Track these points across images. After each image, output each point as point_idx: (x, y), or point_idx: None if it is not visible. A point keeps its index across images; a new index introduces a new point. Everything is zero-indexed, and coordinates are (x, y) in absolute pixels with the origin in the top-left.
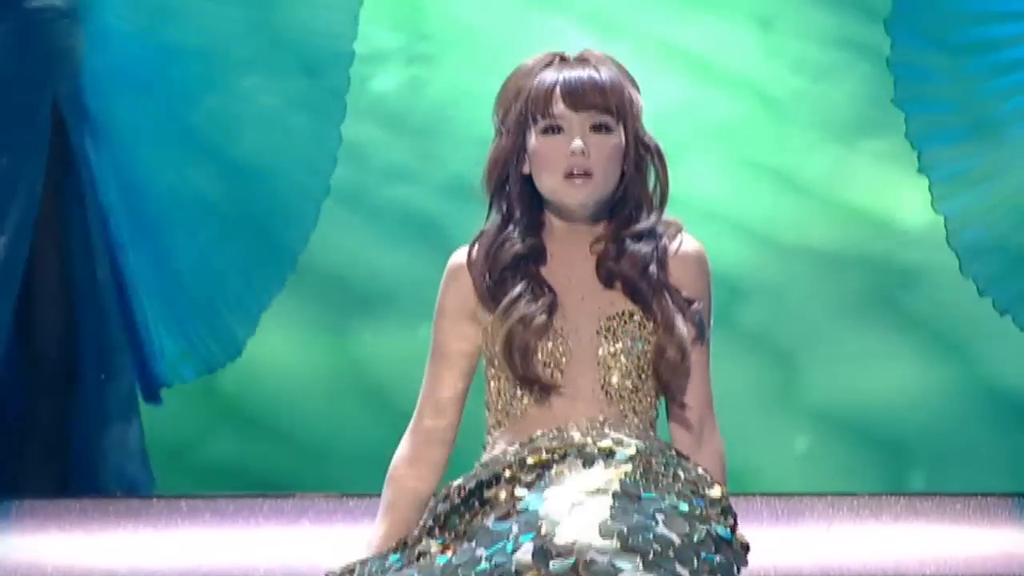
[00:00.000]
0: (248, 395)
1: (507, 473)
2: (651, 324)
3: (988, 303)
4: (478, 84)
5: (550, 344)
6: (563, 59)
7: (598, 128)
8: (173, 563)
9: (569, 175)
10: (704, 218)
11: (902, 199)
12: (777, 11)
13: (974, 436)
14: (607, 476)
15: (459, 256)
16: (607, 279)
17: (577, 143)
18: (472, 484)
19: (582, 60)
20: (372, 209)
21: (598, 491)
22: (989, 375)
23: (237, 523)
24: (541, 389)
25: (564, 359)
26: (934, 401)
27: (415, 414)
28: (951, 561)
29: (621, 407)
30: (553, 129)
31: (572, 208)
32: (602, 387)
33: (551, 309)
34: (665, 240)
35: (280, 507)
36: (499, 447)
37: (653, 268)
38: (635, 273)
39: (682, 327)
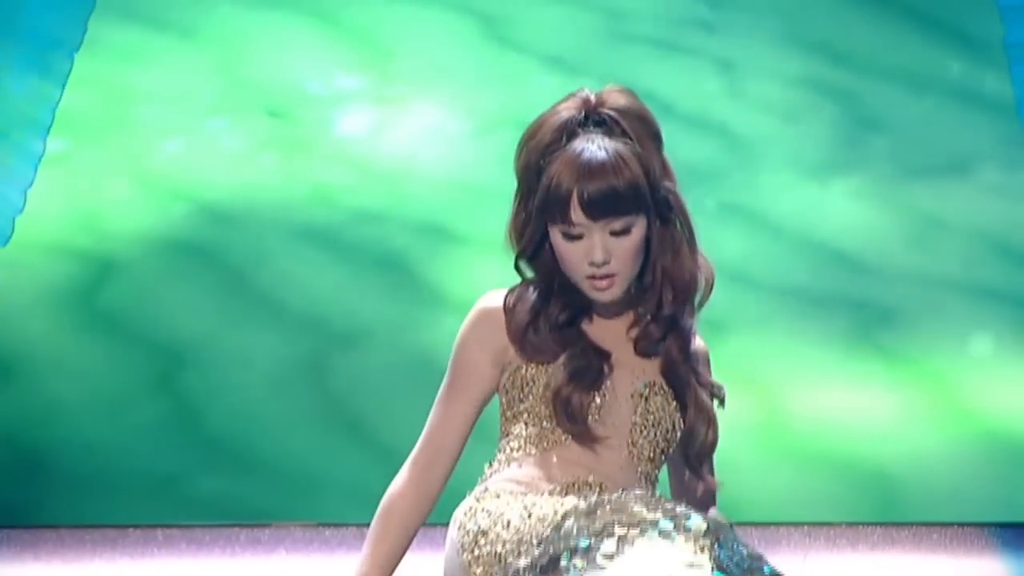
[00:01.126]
0: (231, 430)
1: (582, 543)
2: (674, 402)
3: (966, 337)
4: (445, 125)
5: (597, 399)
6: (585, 119)
7: (619, 233)
8: None
9: (589, 279)
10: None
11: (877, 237)
12: (741, 54)
13: (951, 467)
14: (692, 549)
15: (494, 299)
16: (646, 351)
17: (598, 255)
18: (544, 561)
19: (600, 129)
20: (345, 249)
21: (692, 565)
22: (968, 408)
23: (214, 553)
24: (584, 436)
25: (600, 412)
26: (914, 433)
27: (418, 444)
28: None
29: (639, 468)
30: (573, 236)
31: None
32: (628, 450)
33: (599, 374)
34: (695, 314)
35: (256, 537)
36: (523, 472)
37: (686, 347)
38: (677, 354)
39: (711, 410)
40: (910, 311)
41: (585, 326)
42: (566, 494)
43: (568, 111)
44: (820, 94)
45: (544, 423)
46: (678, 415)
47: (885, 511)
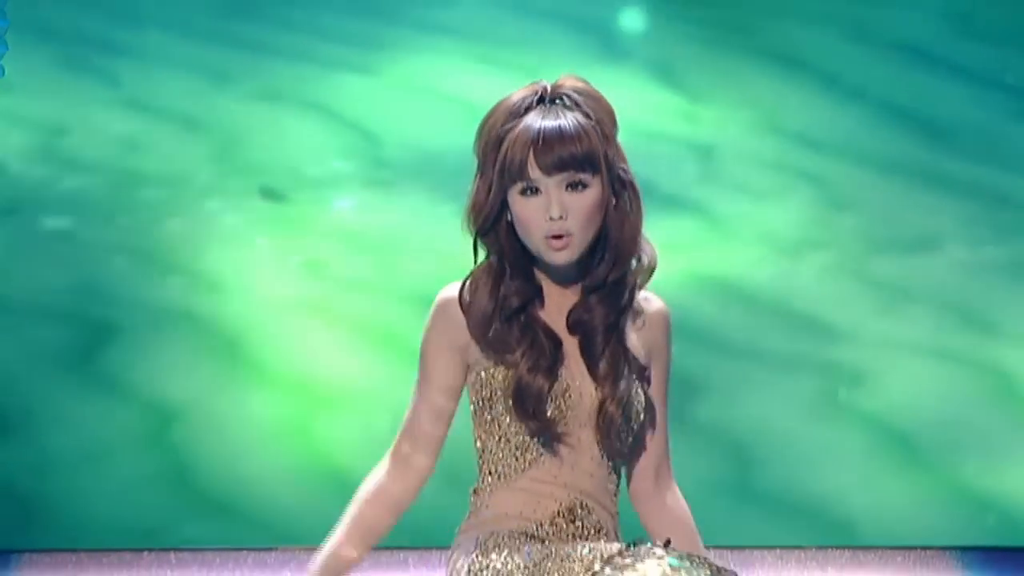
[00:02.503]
0: (219, 482)
1: None
2: (636, 384)
3: (930, 399)
4: (432, 206)
5: (554, 393)
6: (541, 99)
7: (574, 186)
8: None
9: (546, 238)
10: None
11: (847, 306)
12: (720, 141)
13: (912, 503)
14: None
15: (450, 292)
16: (572, 329)
17: (555, 209)
18: None
19: (556, 102)
20: (331, 319)
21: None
22: (931, 464)
23: (223, 574)
24: (552, 437)
25: (567, 409)
26: (881, 486)
27: (396, 440)
28: None
29: (609, 465)
30: (531, 190)
31: (556, 266)
32: (597, 444)
33: (555, 360)
34: (635, 295)
35: (263, 559)
36: (508, 501)
37: (612, 323)
38: (599, 323)
39: (628, 387)
40: (878, 374)
41: (539, 312)
42: (558, 527)
43: (523, 92)
44: (794, 177)
45: (515, 438)
46: (641, 395)
47: (852, 536)
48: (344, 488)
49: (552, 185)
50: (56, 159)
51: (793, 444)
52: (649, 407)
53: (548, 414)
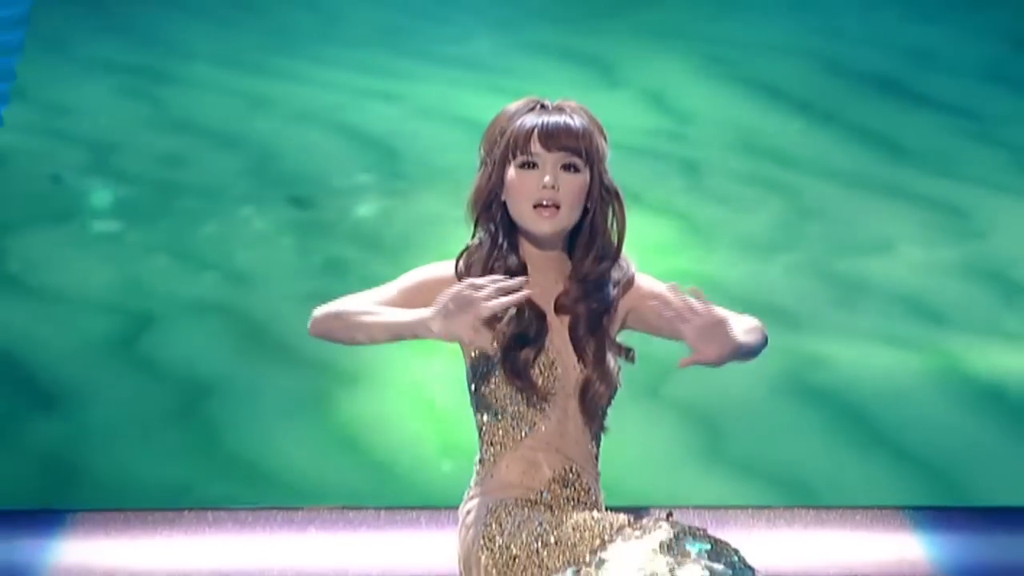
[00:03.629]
0: (246, 450)
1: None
2: (577, 357)
3: (882, 378)
4: (442, 213)
5: (539, 365)
6: (543, 106)
7: (568, 167)
8: (201, 566)
9: (538, 205)
10: (663, 274)
11: (811, 299)
12: (703, 156)
13: (870, 476)
14: (654, 543)
15: (445, 269)
16: (558, 311)
17: (548, 178)
18: None
19: (559, 108)
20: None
21: (656, 550)
22: (881, 432)
23: (256, 530)
24: (538, 397)
25: (553, 381)
26: (838, 453)
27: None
28: (852, 564)
29: (591, 430)
30: (529, 164)
31: (540, 236)
32: (580, 410)
33: (540, 329)
34: (619, 285)
35: (291, 517)
36: (506, 473)
37: (599, 313)
38: (584, 313)
39: (613, 365)
40: (835, 357)
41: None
42: (555, 493)
43: (524, 101)
44: (767, 189)
45: (511, 409)
46: (617, 368)
47: (814, 497)
48: (359, 454)
49: (550, 161)
50: (107, 172)
51: (759, 417)
52: (619, 380)
53: (534, 378)
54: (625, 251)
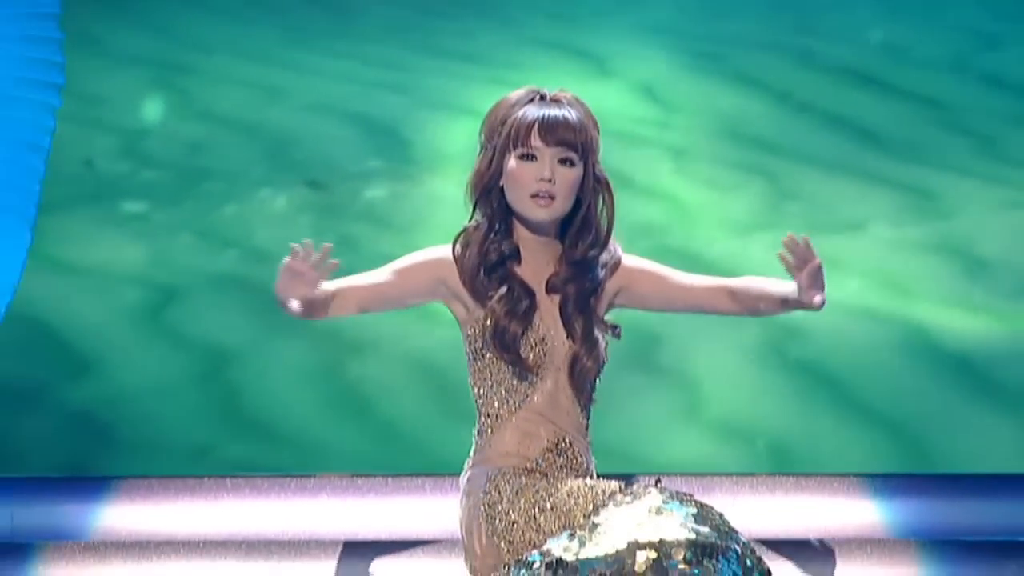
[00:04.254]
0: (265, 413)
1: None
2: (567, 333)
3: (858, 346)
4: (446, 194)
5: (530, 341)
6: (542, 97)
7: (564, 161)
8: (220, 529)
9: (535, 195)
10: (653, 252)
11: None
12: (690, 144)
13: (843, 437)
14: (649, 505)
15: (443, 251)
16: (549, 291)
17: (546, 172)
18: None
19: (557, 100)
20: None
21: (651, 511)
22: (852, 397)
23: (271, 496)
24: (526, 369)
25: (544, 355)
26: (813, 416)
27: (354, 281)
28: (830, 528)
29: (580, 402)
30: (528, 156)
31: (535, 223)
32: (570, 384)
33: (530, 307)
34: (606, 267)
35: (304, 484)
36: (503, 442)
37: (587, 293)
38: (573, 293)
39: (600, 342)
40: (810, 328)
41: (517, 270)
42: (549, 461)
43: (523, 91)
44: (748, 173)
45: (505, 382)
46: (604, 345)
47: (793, 464)
48: (366, 416)
49: (548, 155)
50: (136, 157)
51: (739, 384)
52: (606, 355)
53: (523, 352)
54: (613, 236)
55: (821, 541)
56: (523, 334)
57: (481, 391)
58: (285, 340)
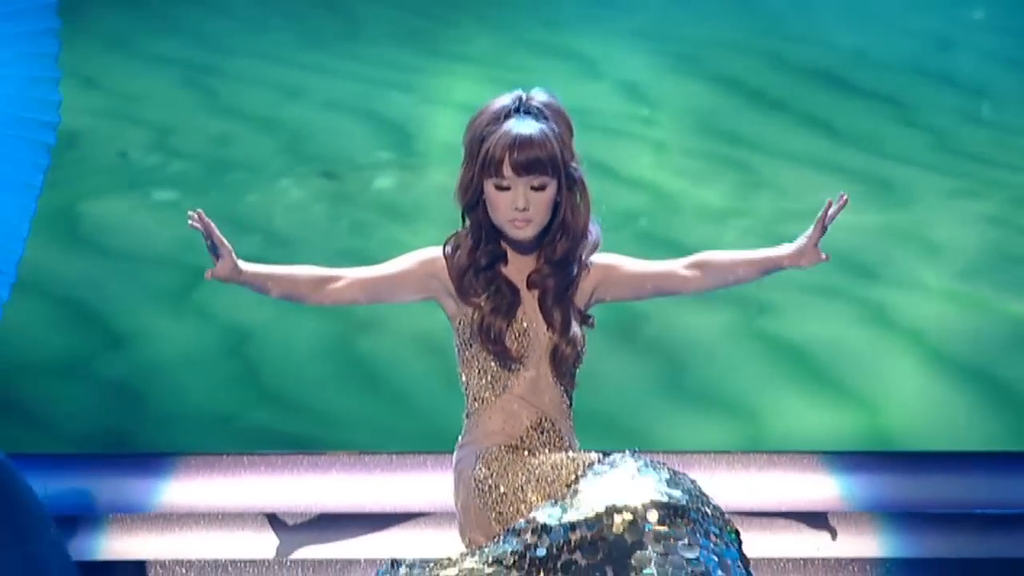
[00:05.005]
0: (283, 385)
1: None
2: (580, 328)
3: (821, 323)
4: (447, 184)
5: (514, 333)
6: (518, 107)
7: (537, 188)
8: (239, 502)
9: (511, 221)
10: (635, 238)
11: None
12: (670, 138)
13: (808, 408)
14: (630, 471)
15: (435, 251)
16: (530, 287)
17: (520, 203)
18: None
19: (529, 111)
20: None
21: (635, 476)
22: (817, 368)
23: (284, 472)
24: (509, 361)
25: (526, 346)
26: (781, 387)
27: (341, 271)
28: (797, 501)
29: (562, 387)
30: (502, 187)
31: (516, 241)
32: (551, 372)
33: (512, 305)
34: (583, 265)
35: (315, 462)
36: (489, 422)
37: (564, 286)
38: (553, 288)
39: (577, 331)
40: (780, 306)
41: (503, 269)
42: (533, 439)
43: (504, 101)
44: (723, 165)
45: (491, 370)
46: (581, 336)
47: (768, 442)
48: (374, 388)
49: (520, 184)
50: (166, 150)
51: (715, 357)
52: (584, 344)
53: (507, 343)
54: (592, 229)
55: (790, 513)
56: (507, 327)
57: (468, 378)
58: (301, 318)
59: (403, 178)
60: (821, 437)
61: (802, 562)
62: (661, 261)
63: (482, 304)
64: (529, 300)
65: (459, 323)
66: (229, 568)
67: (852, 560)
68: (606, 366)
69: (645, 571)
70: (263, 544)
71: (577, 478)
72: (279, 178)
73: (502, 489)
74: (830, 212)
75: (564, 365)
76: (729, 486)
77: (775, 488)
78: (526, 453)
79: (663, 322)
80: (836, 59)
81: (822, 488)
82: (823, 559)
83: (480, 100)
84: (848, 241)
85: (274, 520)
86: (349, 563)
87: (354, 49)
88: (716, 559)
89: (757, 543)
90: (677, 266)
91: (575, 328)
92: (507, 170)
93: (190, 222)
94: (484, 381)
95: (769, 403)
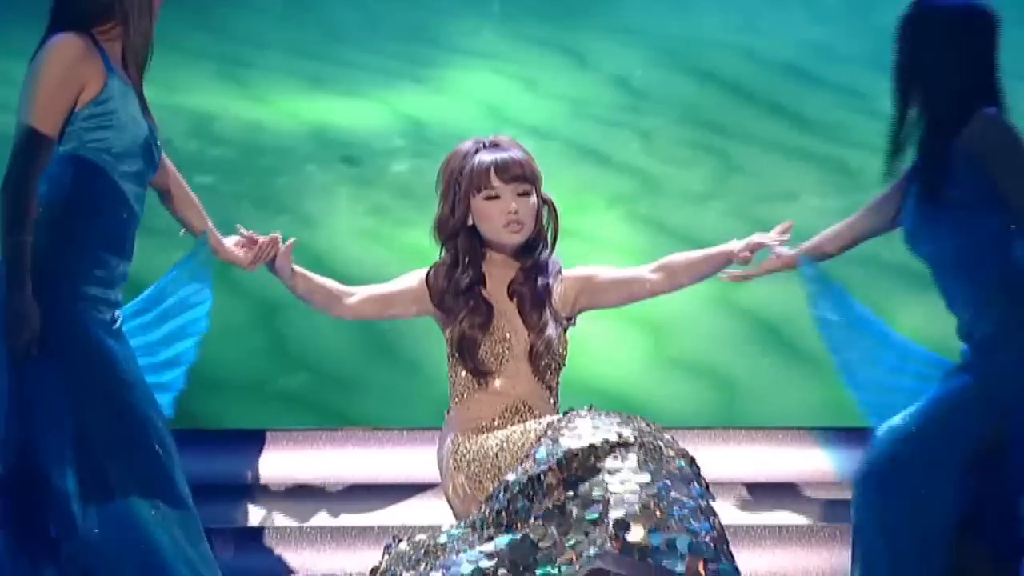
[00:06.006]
0: (309, 353)
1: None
2: (560, 333)
3: (791, 297)
4: None
5: (493, 340)
6: (485, 145)
7: (522, 194)
8: (266, 473)
9: (507, 225)
10: (601, 246)
11: (736, 236)
12: (655, 127)
13: (780, 378)
14: (614, 423)
15: (421, 273)
16: (511, 296)
17: (513, 206)
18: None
19: (497, 145)
20: (388, 245)
21: (621, 423)
22: (786, 339)
23: (304, 447)
24: (483, 374)
25: (506, 350)
26: (755, 356)
27: (363, 289)
28: (776, 472)
29: (544, 383)
30: (492, 197)
31: (509, 246)
32: (534, 374)
33: (488, 318)
34: (552, 273)
35: (332, 437)
36: (472, 404)
37: (540, 291)
38: (528, 294)
39: (552, 331)
40: (755, 282)
41: (481, 289)
42: (505, 419)
43: (471, 142)
44: (704, 152)
45: (472, 370)
46: (561, 335)
47: (739, 390)
48: (394, 358)
49: (508, 191)
50: (206, 137)
51: (695, 328)
52: (564, 344)
53: (481, 356)
54: (556, 250)
55: (769, 483)
56: (484, 339)
57: (456, 377)
58: None
59: (417, 163)
60: (795, 402)
61: (777, 529)
62: (631, 268)
63: (461, 320)
64: (511, 309)
65: (447, 336)
66: (253, 535)
67: (824, 527)
68: (594, 338)
69: (597, 493)
70: (282, 514)
71: (539, 439)
72: (306, 163)
73: (480, 460)
74: (776, 239)
75: (541, 363)
76: (711, 460)
77: (755, 461)
78: (499, 430)
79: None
80: (805, 54)
81: (798, 460)
82: (797, 526)
83: (483, 90)
84: (814, 222)
85: (294, 492)
86: (363, 530)
87: (372, 43)
88: (668, 483)
89: (733, 512)
90: (645, 271)
91: (552, 330)
92: (495, 180)
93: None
94: (467, 379)
95: (742, 365)
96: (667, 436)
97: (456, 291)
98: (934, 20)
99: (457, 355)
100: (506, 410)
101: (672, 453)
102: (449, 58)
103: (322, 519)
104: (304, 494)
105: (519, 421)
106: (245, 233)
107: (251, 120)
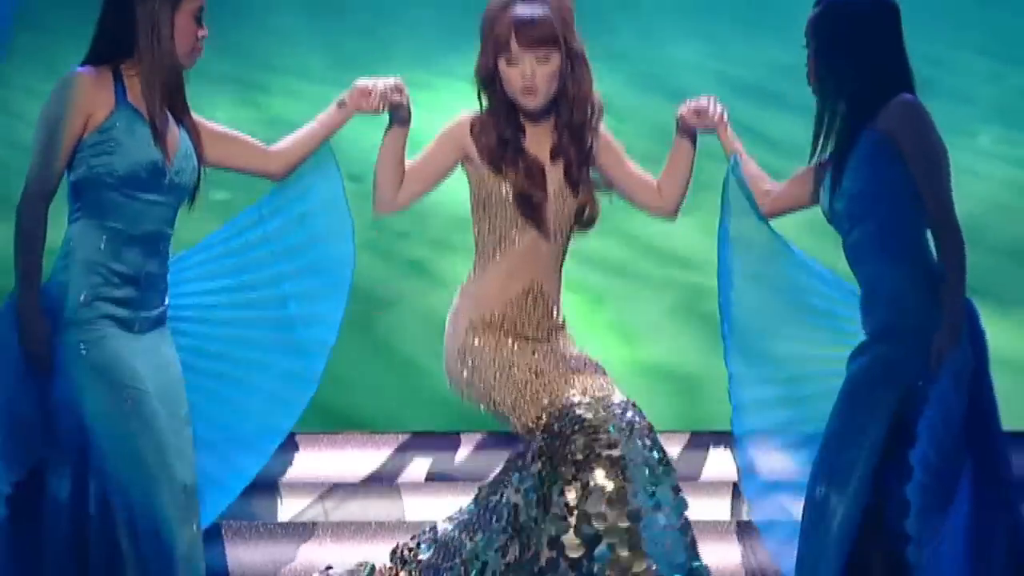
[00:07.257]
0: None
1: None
2: (573, 197)
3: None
4: (456, 178)
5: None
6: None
7: (541, 59)
8: (268, 471)
9: (522, 91)
10: (574, 256)
11: (707, 245)
12: (634, 144)
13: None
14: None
15: (464, 120)
16: (553, 158)
17: (527, 73)
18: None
19: (536, 3)
20: (386, 252)
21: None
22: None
23: (305, 450)
24: (535, 217)
25: (547, 206)
26: (718, 358)
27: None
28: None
29: (558, 250)
30: (511, 61)
31: (528, 111)
32: (555, 237)
33: (542, 177)
34: (596, 134)
35: (332, 440)
36: (491, 280)
37: (584, 154)
38: (574, 156)
39: (596, 195)
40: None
41: (525, 144)
42: (518, 305)
43: None
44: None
45: (502, 227)
46: (574, 206)
47: (699, 389)
48: (392, 358)
49: (527, 58)
50: None
51: (671, 321)
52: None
53: (544, 213)
54: (594, 97)
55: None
56: (544, 196)
57: (482, 231)
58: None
59: None
60: None
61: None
62: (639, 170)
63: (515, 179)
64: (552, 172)
65: (477, 183)
66: (261, 529)
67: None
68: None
69: (575, 455)
70: (283, 513)
71: (543, 409)
72: None
73: (484, 367)
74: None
75: (589, 225)
76: (696, 463)
77: (726, 463)
78: (510, 340)
79: (622, 304)
80: (770, 76)
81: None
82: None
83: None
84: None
85: (297, 488)
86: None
87: (378, 68)
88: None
89: (705, 510)
90: (653, 185)
91: (594, 194)
92: (514, 46)
93: (396, 96)
94: (493, 237)
95: (705, 366)
96: (631, 416)
97: (503, 139)
98: (841, 15)
99: (520, 210)
100: (523, 292)
101: (637, 426)
102: (448, 83)
103: (316, 515)
104: (304, 491)
105: (532, 306)
106: (360, 83)
107: (264, 138)
